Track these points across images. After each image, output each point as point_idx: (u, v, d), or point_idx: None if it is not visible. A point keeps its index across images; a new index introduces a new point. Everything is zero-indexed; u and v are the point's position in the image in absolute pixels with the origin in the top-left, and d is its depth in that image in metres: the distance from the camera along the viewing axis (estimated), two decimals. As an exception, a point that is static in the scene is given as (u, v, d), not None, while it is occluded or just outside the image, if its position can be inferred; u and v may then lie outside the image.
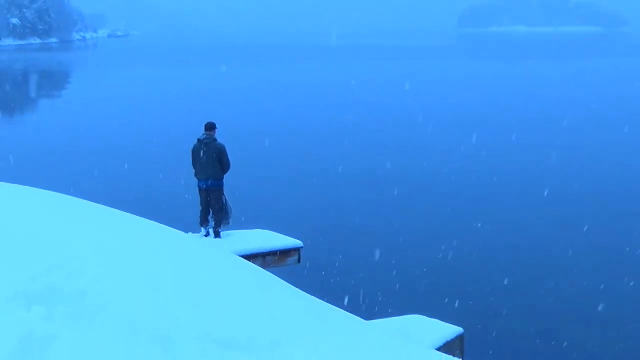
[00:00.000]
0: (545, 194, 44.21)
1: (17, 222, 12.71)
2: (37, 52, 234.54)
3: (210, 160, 24.98)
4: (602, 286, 30.80)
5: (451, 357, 13.90)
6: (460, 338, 18.95)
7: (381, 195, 45.21)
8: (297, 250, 24.89)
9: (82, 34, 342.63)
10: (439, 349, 16.31)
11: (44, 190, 15.86)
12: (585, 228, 38.11)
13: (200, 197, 25.70)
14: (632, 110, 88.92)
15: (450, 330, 18.88)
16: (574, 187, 47.51)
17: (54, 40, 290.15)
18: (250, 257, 20.75)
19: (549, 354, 24.05)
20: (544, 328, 26.33)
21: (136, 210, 16.38)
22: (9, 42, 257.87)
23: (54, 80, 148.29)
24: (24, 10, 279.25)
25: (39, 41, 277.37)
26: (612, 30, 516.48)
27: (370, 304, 23.39)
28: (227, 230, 25.56)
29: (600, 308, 28.34)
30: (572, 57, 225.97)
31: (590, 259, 35.08)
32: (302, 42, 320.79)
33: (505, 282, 30.92)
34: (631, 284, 30.45)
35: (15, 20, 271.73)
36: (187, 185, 26.76)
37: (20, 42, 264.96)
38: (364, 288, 28.43)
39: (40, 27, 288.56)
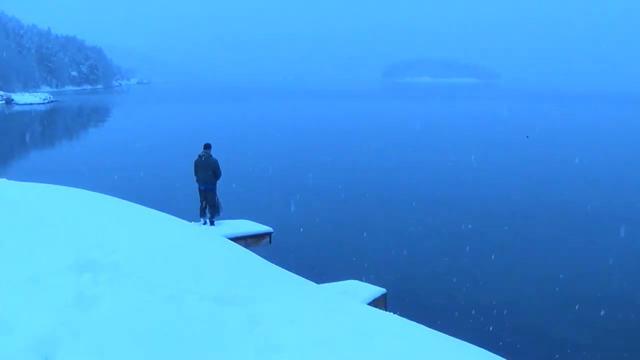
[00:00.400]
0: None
1: (73, 214, 12.83)
2: (89, 94, 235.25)
3: (207, 170, 25.35)
4: (509, 240, 31.27)
5: (376, 308, 13.99)
6: (384, 296, 19.07)
7: (330, 196, 45.51)
8: (268, 234, 25.03)
9: (119, 82, 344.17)
10: (368, 304, 16.39)
11: (91, 192, 15.93)
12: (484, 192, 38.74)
13: (200, 196, 25.93)
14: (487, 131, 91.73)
15: (377, 290, 19.00)
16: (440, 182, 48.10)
17: (100, 86, 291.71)
18: (235, 239, 20.79)
19: (452, 308, 24.11)
20: (449, 287, 26.43)
21: (154, 205, 16.42)
22: (70, 87, 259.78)
23: (101, 113, 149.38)
24: (80, 66, 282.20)
25: (89, 87, 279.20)
26: (488, 82, 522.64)
27: (320, 272, 23.46)
28: (219, 220, 25.68)
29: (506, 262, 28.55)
30: (459, 100, 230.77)
31: (501, 216, 36.21)
32: (286, 86, 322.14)
33: (421, 254, 31.16)
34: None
35: (74, 73, 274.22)
36: (191, 187, 26.81)
37: (77, 88, 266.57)
38: (315, 260, 28.78)
39: (91, 77, 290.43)
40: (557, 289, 26.93)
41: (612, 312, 24.14)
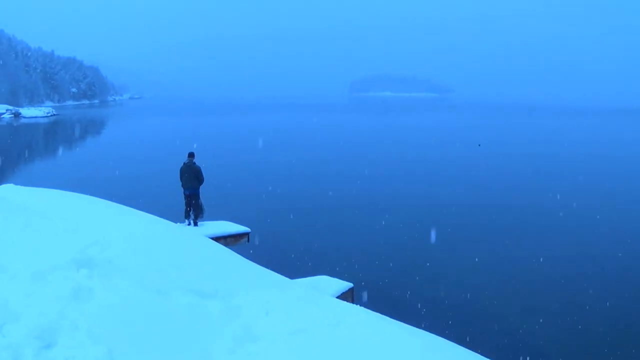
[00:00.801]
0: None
1: (72, 215, 12.95)
2: (87, 108, 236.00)
3: (191, 176, 25.35)
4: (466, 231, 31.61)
5: (344, 301, 13.99)
6: (351, 290, 19.09)
7: (302, 199, 45.72)
8: (246, 234, 24.97)
9: (114, 97, 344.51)
10: (337, 297, 16.39)
11: (89, 196, 15.96)
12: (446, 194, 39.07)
13: (185, 200, 25.87)
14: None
15: (344, 285, 18.99)
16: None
17: (96, 101, 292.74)
18: (217, 239, 20.76)
19: (415, 301, 24.20)
20: (412, 282, 26.53)
21: (144, 208, 16.39)
22: (70, 102, 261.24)
23: (98, 125, 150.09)
24: (79, 83, 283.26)
25: (87, 102, 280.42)
26: (444, 95, 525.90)
27: (293, 268, 23.49)
28: (202, 221, 25.61)
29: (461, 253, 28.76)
30: (417, 112, 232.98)
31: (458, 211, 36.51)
32: (263, 101, 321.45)
33: (385, 252, 31.25)
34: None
35: (74, 89, 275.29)
36: (176, 192, 26.75)
37: (77, 103, 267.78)
38: (289, 258, 28.83)
39: (89, 93, 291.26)
40: (512, 281, 27.18)
41: (560, 299, 24.39)
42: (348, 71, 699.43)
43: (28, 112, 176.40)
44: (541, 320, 22.69)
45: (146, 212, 15.79)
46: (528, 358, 18.83)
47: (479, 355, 11.00)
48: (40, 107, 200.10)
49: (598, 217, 40.25)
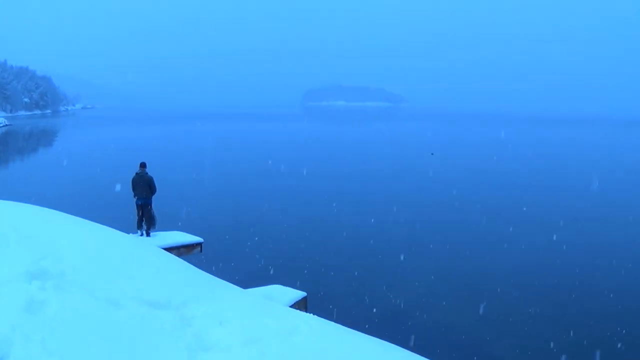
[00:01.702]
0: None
1: (24, 227, 12.76)
2: (39, 118, 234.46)
3: (144, 186, 25.18)
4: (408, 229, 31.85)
5: (297, 310, 14.01)
6: (304, 299, 19.10)
7: (255, 209, 45.70)
8: (199, 244, 24.84)
9: (66, 107, 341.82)
10: (290, 306, 16.41)
11: (40, 207, 15.80)
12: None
13: (137, 210, 25.68)
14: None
15: (298, 294, 19.01)
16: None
17: (49, 111, 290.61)
18: (169, 249, 20.65)
19: (367, 309, 24.34)
20: (363, 290, 26.68)
21: (96, 219, 16.26)
22: (22, 112, 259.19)
23: (49, 135, 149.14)
24: (32, 93, 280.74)
25: (40, 112, 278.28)
26: (396, 105, 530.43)
27: (246, 278, 23.54)
28: (154, 231, 25.45)
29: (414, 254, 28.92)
30: (369, 121, 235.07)
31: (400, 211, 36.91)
32: (217, 110, 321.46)
33: (337, 261, 31.38)
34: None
35: (26, 99, 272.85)
36: (129, 202, 26.59)
37: (29, 113, 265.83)
38: (242, 267, 28.86)
39: (41, 103, 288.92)
40: (465, 288, 27.44)
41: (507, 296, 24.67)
42: (302, 81, 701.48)
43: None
44: (493, 328, 22.95)
45: (98, 223, 15.69)
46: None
47: (430, 361, 11.10)
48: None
49: (541, 218, 41.19)
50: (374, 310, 23.97)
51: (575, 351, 21.01)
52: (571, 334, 22.43)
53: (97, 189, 53.78)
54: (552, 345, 21.28)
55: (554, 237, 36.19)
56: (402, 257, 31.69)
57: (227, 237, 35.54)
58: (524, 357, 21.01)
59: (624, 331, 22.70)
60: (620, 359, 20.75)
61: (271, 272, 27.70)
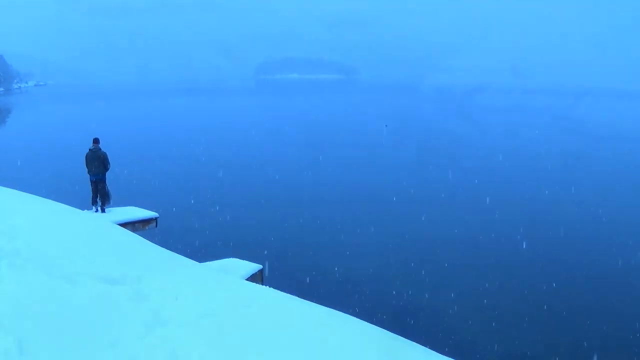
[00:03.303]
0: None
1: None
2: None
3: (97, 162, 24.92)
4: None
5: (254, 283, 14.07)
6: (260, 272, 19.15)
7: (210, 181, 45.56)
8: (154, 219, 24.73)
9: (19, 84, 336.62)
10: (246, 279, 16.46)
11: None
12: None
13: (91, 186, 25.46)
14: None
15: (253, 267, 19.05)
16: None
17: (1, 89, 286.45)
18: (124, 225, 20.55)
19: (322, 281, 24.47)
20: (318, 263, 26.82)
21: (50, 196, 16.16)
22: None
23: (3, 113, 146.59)
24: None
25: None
26: (350, 77, 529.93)
27: (202, 251, 23.54)
28: (109, 207, 25.30)
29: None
30: (323, 94, 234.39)
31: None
32: (170, 86, 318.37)
33: (293, 234, 31.48)
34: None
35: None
36: (83, 179, 26.35)
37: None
38: (197, 241, 28.78)
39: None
40: (415, 257, 27.66)
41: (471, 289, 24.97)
42: (254, 55, 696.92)
43: None
44: (435, 292, 23.25)
45: (53, 200, 15.57)
46: (422, 326, 19.36)
47: (385, 330, 11.22)
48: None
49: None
50: (329, 282, 24.13)
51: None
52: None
53: (51, 166, 53.24)
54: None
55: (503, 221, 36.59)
56: (358, 230, 31.88)
57: (182, 211, 35.38)
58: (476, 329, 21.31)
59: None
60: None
61: (227, 245, 27.71)
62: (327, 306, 11.62)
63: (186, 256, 13.92)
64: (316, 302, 11.84)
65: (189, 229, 31.88)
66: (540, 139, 73.54)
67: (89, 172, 25.36)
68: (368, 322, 11.37)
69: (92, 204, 25.49)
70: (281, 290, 12.17)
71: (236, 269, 18.31)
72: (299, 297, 11.78)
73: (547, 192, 42.53)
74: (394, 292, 23.60)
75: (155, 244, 13.94)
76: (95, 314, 9.15)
